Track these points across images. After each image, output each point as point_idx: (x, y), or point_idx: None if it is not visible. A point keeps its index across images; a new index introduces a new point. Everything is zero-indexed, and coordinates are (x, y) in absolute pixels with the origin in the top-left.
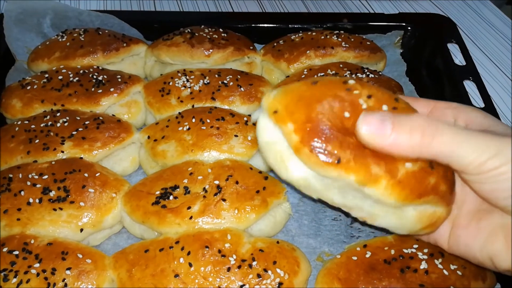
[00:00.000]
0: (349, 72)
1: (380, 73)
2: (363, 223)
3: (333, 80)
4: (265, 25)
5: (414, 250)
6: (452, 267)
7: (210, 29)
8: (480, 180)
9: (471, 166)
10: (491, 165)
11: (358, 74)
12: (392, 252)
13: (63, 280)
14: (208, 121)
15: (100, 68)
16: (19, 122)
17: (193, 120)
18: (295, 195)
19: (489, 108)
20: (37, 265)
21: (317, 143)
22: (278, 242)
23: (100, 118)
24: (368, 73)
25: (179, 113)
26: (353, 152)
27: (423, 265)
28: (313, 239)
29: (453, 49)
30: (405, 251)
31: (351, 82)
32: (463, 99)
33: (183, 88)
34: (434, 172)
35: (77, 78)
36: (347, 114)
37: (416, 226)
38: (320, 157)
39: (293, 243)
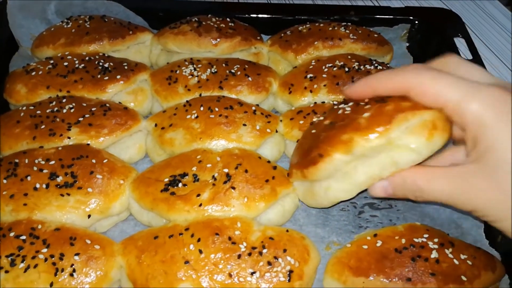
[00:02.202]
0: (357, 63)
1: (388, 65)
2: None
3: None
4: (272, 16)
5: (424, 240)
6: (462, 256)
7: (217, 18)
8: None
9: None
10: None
11: (366, 66)
12: (403, 241)
13: (72, 265)
14: (217, 109)
15: (106, 55)
16: (24, 108)
17: (201, 108)
18: None
19: None
20: (44, 250)
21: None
22: (287, 231)
23: (107, 105)
24: (376, 65)
25: (187, 101)
26: None
27: (434, 254)
28: (321, 229)
29: (459, 43)
30: (416, 240)
31: None
32: None
33: (190, 76)
34: (389, 103)
35: (83, 65)
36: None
37: (420, 139)
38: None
39: (302, 232)
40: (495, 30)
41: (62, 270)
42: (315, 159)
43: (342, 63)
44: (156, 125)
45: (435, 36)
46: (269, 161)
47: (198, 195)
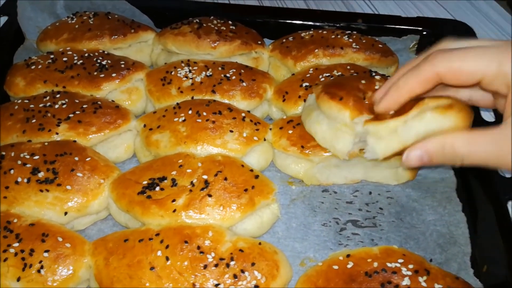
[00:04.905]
0: (355, 74)
1: (388, 78)
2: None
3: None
4: (279, 20)
5: (398, 265)
6: (437, 286)
7: (219, 20)
8: None
9: None
10: None
11: None
12: (375, 264)
13: (40, 262)
14: (205, 114)
15: (106, 52)
16: (19, 101)
17: (190, 111)
18: (287, 196)
19: (500, 121)
20: (16, 244)
21: (330, 89)
22: (260, 244)
23: (99, 102)
24: (375, 76)
25: (177, 103)
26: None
27: (406, 282)
28: (299, 243)
29: None
30: (389, 265)
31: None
32: (475, 109)
33: (184, 78)
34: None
35: (81, 61)
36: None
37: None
38: (327, 96)
39: (278, 245)
40: (493, 33)
41: (30, 266)
42: (334, 96)
43: (339, 73)
44: (145, 125)
45: None
46: (252, 170)
47: (174, 201)
